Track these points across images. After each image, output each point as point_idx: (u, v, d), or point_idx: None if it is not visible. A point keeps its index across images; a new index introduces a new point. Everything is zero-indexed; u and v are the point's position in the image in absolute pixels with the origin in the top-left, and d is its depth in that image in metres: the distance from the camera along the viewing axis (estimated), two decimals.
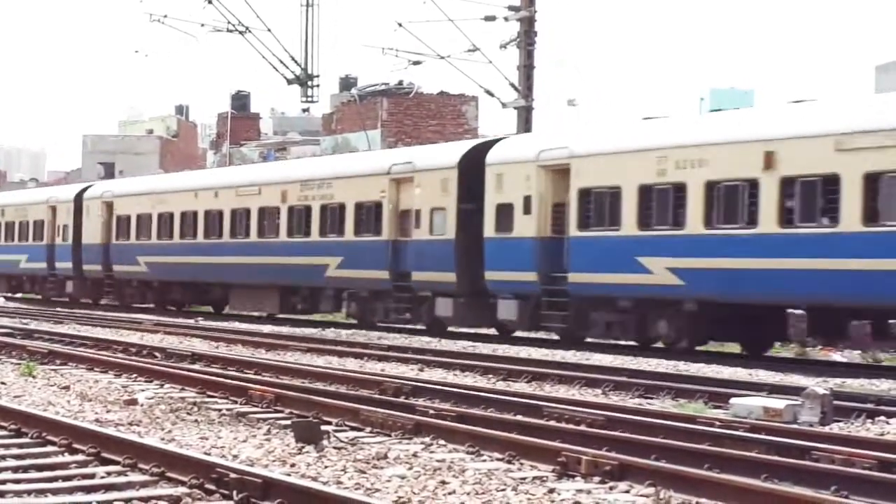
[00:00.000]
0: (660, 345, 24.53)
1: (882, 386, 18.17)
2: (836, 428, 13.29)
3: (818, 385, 15.77)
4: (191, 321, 33.01)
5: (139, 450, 9.86)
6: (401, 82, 53.79)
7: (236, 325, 32.20)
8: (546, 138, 28.17)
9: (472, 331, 29.50)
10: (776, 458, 10.58)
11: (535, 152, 26.77)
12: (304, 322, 33.46)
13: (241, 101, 73.20)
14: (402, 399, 15.11)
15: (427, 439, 11.78)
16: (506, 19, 37.22)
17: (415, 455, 10.88)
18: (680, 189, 23.26)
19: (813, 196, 21.18)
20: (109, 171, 77.92)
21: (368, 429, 12.58)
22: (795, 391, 15.27)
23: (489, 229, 27.52)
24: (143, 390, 15.99)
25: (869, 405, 14.88)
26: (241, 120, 70.31)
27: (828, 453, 10.69)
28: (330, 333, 28.96)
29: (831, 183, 20.75)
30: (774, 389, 16.50)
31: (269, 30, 39.78)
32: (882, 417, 13.92)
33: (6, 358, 20.51)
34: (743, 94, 67.59)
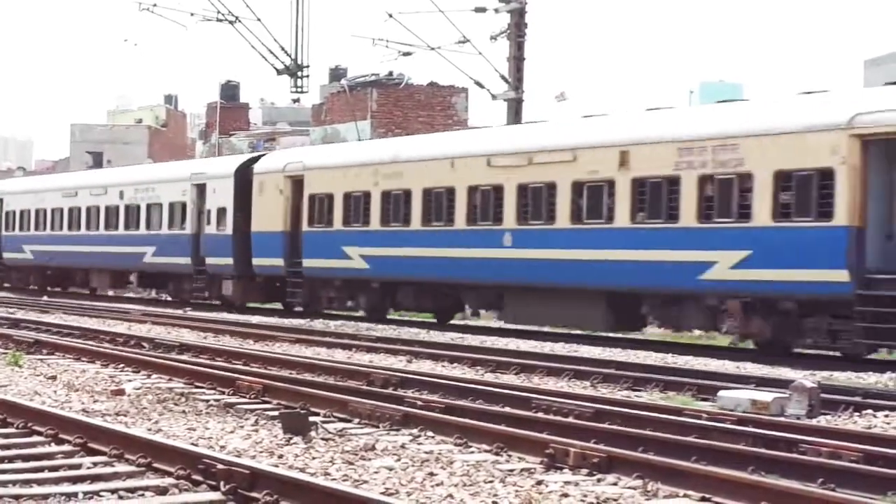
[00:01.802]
0: None
1: (869, 379, 18.20)
2: (823, 421, 13.32)
3: (806, 378, 15.79)
4: (179, 311, 32.95)
5: (126, 440, 9.84)
6: (391, 73, 53.67)
7: (224, 315, 32.14)
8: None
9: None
10: (763, 450, 10.59)
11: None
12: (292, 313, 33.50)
13: (230, 90, 72.99)
14: (390, 390, 15.11)
15: (415, 431, 11.78)
16: (496, 11, 37.19)
17: (403, 447, 10.88)
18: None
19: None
20: (97, 161, 77.76)
21: (356, 420, 12.58)
22: (783, 384, 15.30)
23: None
24: (130, 380, 15.96)
25: (856, 398, 14.90)
26: (230, 110, 70.12)
27: (815, 446, 10.72)
28: (318, 324, 28.94)
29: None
30: (762, 382, 16.53)
31: (258, 19, 39.70)
32: (869, 411, 13.95)
33: None
34: (732, 88, 67.55)
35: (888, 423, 13.09)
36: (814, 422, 13.13)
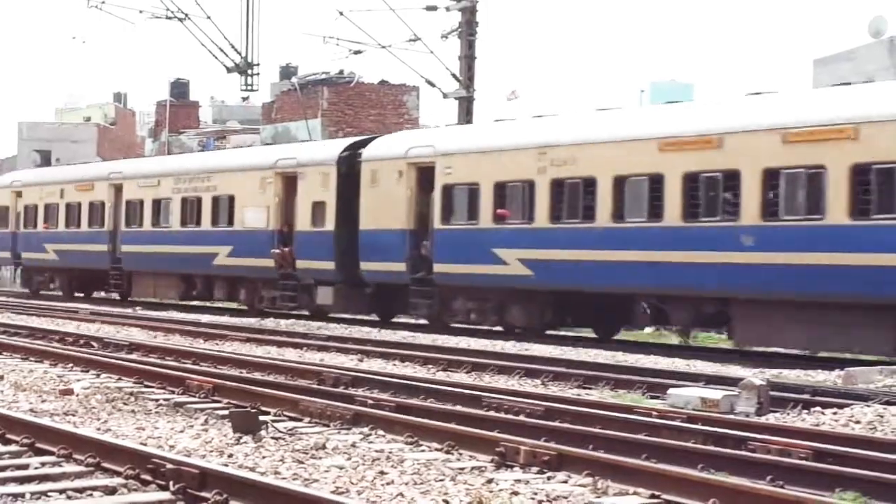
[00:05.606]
0: None
1: (818, 377, 18.33)
2: (772, 418, 13.41)
3: (755, 376, 15.90)
4: (129, 311, 32.73)
5: (74, 440, 9.76)
6: (342, 72, 53.59)
7: (174, 314, 31.95)
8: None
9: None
10: (713, 448, 10.65)
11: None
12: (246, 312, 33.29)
13: (180, 88, 72.58)
14: (340, 389, 15.08)
15: (366, 430, 11.76)
16: (447, 9, 37.21)
17: (353, 445, 10.85)
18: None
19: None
20: (45, 159, 77.14)
21: (307, 419, 12.54)
22: (733, 382, 15.39)
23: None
24: (79, 380, 15.83)
25: (805, 396, 15.02)
26: (180, 108, 69.74)
27: (764, 443, 10.78)
28: (269, 323, 28.83)
29: None
30: (712, 380, 16.61)
31: (208, 17, 39.51)
32: (817, 408, 14.05)
33: None
34: (683, 87, 67.89)
35: (836, 421, 13.19)
36: (763, 419, 13.21)
